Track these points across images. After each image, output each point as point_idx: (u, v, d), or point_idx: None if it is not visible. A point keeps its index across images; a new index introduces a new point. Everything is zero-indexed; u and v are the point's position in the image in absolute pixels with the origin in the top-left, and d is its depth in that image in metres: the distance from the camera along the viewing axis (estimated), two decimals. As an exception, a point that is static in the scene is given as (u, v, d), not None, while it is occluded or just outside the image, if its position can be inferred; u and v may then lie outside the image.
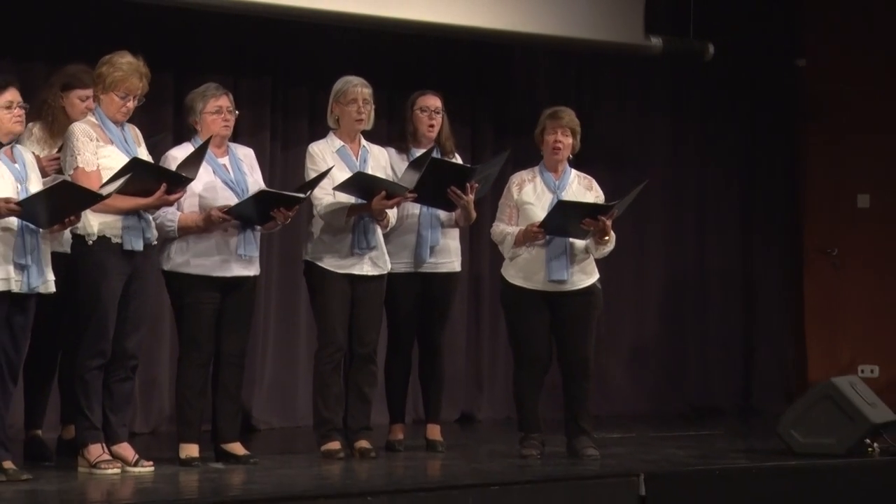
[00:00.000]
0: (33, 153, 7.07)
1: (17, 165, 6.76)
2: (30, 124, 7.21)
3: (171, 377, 8.85)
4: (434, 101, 8.26)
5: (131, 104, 7.16)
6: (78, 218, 6.84)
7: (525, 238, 7.92)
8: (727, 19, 11.74)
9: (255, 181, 7.63)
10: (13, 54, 8.87)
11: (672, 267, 11.84)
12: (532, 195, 8.00)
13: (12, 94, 6.73)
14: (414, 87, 8.42)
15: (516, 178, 8.12)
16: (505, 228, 8.01)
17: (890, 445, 8.45)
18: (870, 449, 8.33)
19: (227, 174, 7.54)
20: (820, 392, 8.52)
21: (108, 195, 6.81)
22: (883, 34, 11.76)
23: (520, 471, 7.59)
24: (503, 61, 10.99)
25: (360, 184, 7.75)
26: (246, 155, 7.74)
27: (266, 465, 7.48)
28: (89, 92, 7.37)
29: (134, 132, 7.32)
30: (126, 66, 7.13)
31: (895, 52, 11.73)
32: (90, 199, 6.82)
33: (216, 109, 7.52)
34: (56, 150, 7.36)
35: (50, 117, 7.48)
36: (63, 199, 6.71)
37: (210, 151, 7.40)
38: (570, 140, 8.02)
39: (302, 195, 7.61)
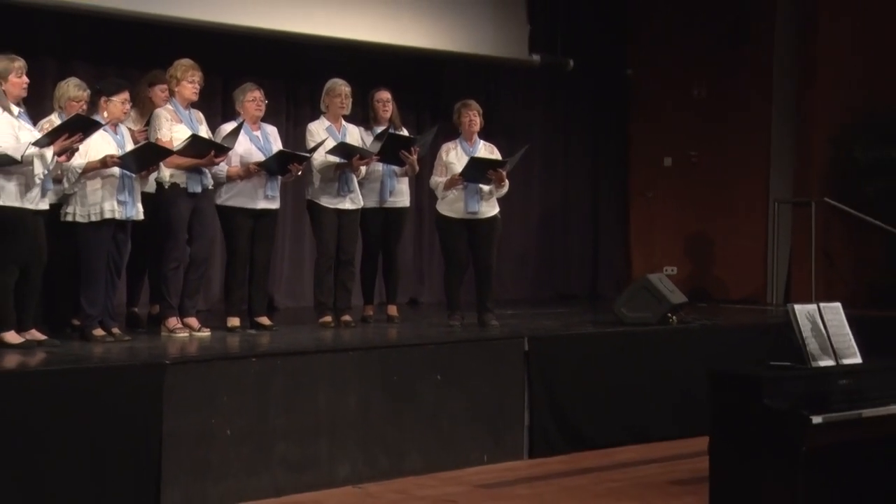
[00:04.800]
0: (128, 128, 7.02)
1: (118, 136, 6.72)
2: None
3: (221, 274, 8.79)
4: (386, 95, 8.15)
5: (199, 86, 7.10)
6: (157, 167, 6.83)
7: (450, 184, 7.86)
8: (582, 42, 11.63)
9: (277, 148, 7.51)
10: (115, 64, 8.75)
11: (546, 202, 11.79)
12: (454, 157, 7.94)
13: (126, 95, 6.72)
14: (379, 86, 8.32)
15: (444, 146, 8.06)
16: (437, 179, 7.95)
17: (683, 317, 8.50)
18: (671, 320, 8.38)
19: (259, 142, 7.43)
20: (640, 283, 8.56)
21: (175, 152, 6.83)
22: (680, 53, 11.70)
23: (447, 335, 7.56)
24: (437, 68, 10.86)
25: (344, 150, 7.68)
26: (272, 131, 7.63)
27: (283, 332, 7.44)
28: (165, 85, 7.31)
29: (198, 115, 7.25)
30: (187, 62, 7.12)
31: (691, 64, 11.66)
32: (164, 153, 6.81)
33: (252, 99, 7.42)
34: (144, 125, 7.29)
35: (141, 105, 7.41)
36: (147, 154, 6.70)
37: (249, 127, 7.37)
38: (478, 118, 8.00)
39: (307, 154, 7.55)
